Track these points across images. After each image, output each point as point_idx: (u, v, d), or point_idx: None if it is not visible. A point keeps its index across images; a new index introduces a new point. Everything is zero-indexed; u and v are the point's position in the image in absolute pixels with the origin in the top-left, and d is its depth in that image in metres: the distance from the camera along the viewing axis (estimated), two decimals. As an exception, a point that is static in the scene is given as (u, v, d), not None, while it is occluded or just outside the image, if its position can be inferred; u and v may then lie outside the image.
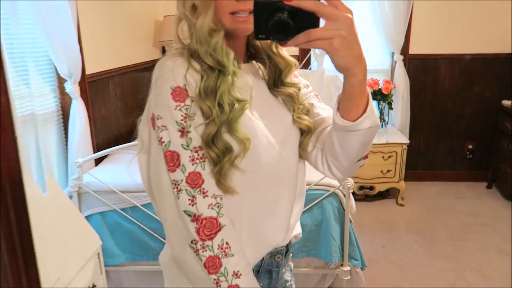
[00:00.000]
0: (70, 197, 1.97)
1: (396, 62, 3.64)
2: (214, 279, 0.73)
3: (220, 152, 0.74)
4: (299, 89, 0.88)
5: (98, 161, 2.42)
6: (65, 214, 1.36)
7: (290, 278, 0.99)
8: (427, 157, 3.92)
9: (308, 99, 0.92)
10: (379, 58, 3.83)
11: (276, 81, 0.87)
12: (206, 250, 0.73)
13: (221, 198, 0.76)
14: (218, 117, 0.74)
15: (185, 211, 0.74)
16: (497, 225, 3.09)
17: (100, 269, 1.46)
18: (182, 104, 0.73)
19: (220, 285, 0.74)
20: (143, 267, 2.03)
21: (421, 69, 3.71)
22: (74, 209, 1.45)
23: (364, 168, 3.35)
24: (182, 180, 0.73)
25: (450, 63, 3.67)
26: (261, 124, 0.81)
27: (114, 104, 2.78)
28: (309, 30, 0.63)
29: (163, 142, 0.74)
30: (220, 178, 0.75)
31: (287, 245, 0.92)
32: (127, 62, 2.98)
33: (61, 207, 1.36)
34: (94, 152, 2.28)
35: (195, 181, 0.74)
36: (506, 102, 3.44)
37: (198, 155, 0.74)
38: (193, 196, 0.73)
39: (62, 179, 2.21)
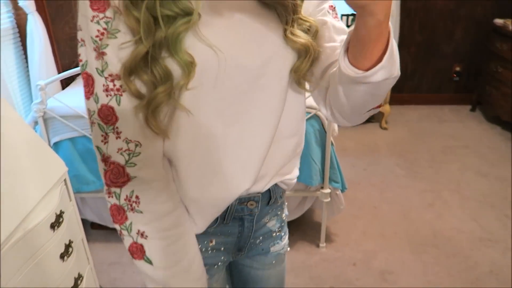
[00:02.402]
0: (36, 123, 1.85)
1: (387, -24, 3.38)
2: (118, 230, 0.66)
3: (151, 81, 0.58)
4: None
5: (65, 86, 2.26)
6: (22, 141, 1.25)
7: (278, 229, 0.86)
8: (414, 80, 3.83)
9: (320, 13, 0.69)
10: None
11: None
12: (112, 197, 0.64)
13: (137, 145, 0.62)
14: (149, 34, 0.56)
15: (97, 147, 0.63)
16: (477, 147, 3.11)
17: (69, 196, 1.39)
18: (102, 15, 0.56)
19: (123, 239, 0.66)
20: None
21: (413, -16, 3.47)
22: (34, 135, 1.33)
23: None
24: (94, 111, 0.60)
25: (444, -22, 3.44)
26: (226, 41, 0.60)
27: (80, 22, 2.54)
28: None
29: (81, 60, 0.60)
30: (149, 116, 0.60)
31: (270, 192, 0.77)
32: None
33: (17, 133, 1.24)
34: (60, 75, 2.11)
35: (107, 116, 0.60)
36: (498, 21, 3.28)
37: (114, 85, 0.59)
38: (106, 134, 0.61)
39: (26, 104, 2.06)
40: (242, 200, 0.74)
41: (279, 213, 0.86)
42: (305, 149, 1.85)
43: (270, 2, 0.63)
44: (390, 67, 0.55)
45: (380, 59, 0.54)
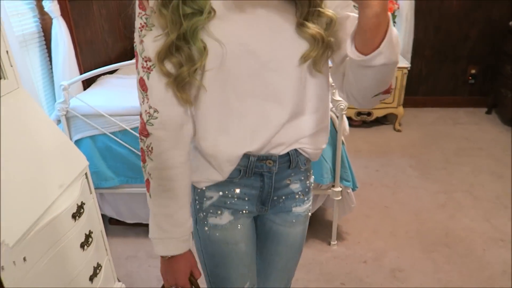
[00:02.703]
0: (59, 121, 1.94)
1: (401, -21, 3.41)
2: (141, 165, 0.87)
3: (178, 63, 0.76)
4: None
5: (87, 86, 2.36)
6: (47, 137, 1.33)
7: (301, 192, 0.96)
8: (428, 82, 3.82)
9: (346, 8, 0.79)
10: (383, -24, 3.58)
11: None
12: (141, 141, 0.85)
13: (155, 111, 0.80)
14: (174, 29, 0.74)
15: (140, 105, 0.84)
16: (492, 149, 3.10)
17: (90, 189, 1.47)
18: (143, 13, 0.76)
19: (143, 172, 0.87)
20: (137, 189, 2.06)
21: (428, -13, 3.48)
22: (58, 132, 1.42)
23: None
24: (138, 80, 0.81)
25: (459, -19, 3.44)
26: (240, 32, 0.76)
27: (100, 26, 2.65)
28: None
29: (134, 42, 0.81)
30: (176, 89, 0.78)
31: (289, 156, 0.89)
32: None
33: (42, 129, 1.32)
34: (81, 76, 2.21)
35: (142, 86, 0.80)
36: (514, 23, 3.27)
37: (147, 65, 0.78)
38: (142, 97, 0.81)
39: (50, 104, 2.16)
40: (261, 158, 0.87)
41: (302, 178, 0.96)
42: (316, 147, 1.89)
43: None
44: (388, 53, 0.66)
45: (378, 46, 0.65)
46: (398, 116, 3.42)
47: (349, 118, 3.15)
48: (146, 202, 0.89)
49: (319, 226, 2.28)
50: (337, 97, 1.84)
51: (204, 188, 0.91)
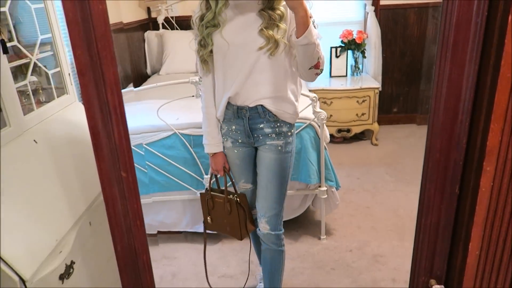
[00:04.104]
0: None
1: (368, 13, 3.90)
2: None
3: (203, 49, 1.50)
4: (281, 14, 1.39)
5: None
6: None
7: (272, 134, 1.56)
8: (399, 101, 4.26)
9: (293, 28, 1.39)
10: (354, 10, 4.08)
11: (267, 6, 1.40)
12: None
13: (200, 78, 1.66)
14: (200, 34, 1.49)
15: None
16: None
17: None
18: (192, 20, 1.52)
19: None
20: (151, 199, 2.36)
21: (392, 19, 3.98)
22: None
23: (341, 112, 3.70)
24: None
25: (419, 12, 3.95)
26: (229, 36, 1.44)
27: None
28: None
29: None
30: (202, 64, 1.55)
31: (257, 108, 1.51)
32: (113, 20, 3.18)
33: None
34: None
35: (197, 63, 1.68)
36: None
37: (196, 47, 1.54)
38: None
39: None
40: (240, 108, 1.53)
41: (272, 126, 1.56)
42: (303, 153, 2.28)
43: (263, 14, 1.41)
44: (309, 37, 1.29)
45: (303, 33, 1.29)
46: (374, 131, 3.82)
47: (331, 135, 3.53)
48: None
49: (309, 225, 2.60)
50: (318, 109, 2.21)
51: (221, 122, 1.63)
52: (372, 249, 2.35)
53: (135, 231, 0.79)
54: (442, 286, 0.87)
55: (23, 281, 1.07)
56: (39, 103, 1.51)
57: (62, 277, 1.22)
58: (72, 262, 1.27)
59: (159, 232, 2.55)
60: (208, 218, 1.79)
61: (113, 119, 0.71)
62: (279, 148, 1.57)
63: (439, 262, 0.87)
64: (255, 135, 1.58)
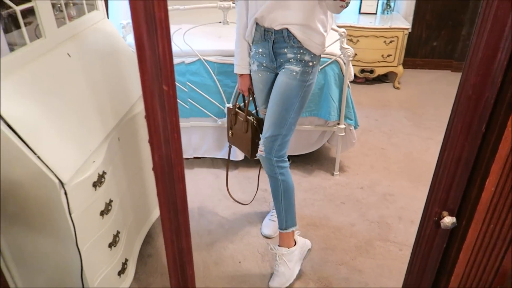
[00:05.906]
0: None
1: None
2: None
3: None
4: None
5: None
6: (125, 57, 1.71)
7: (293, 59, 1.60)
8: (427, 46, 4.12)
9: None
10: None
11: None
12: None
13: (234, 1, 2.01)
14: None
15: None
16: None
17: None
18: None
19: None
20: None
21: (432, -46, 3.72)
22: (133, 55, 1.78)
23: (366, 52, 3.62)
24: None
25: (462, -52, 3.67)
26: None
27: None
28: None
29: None
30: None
31: (282, 32, 1.56)
32: None
33: (122, 50, 1.69)
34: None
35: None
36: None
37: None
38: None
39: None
40: (267, 30, 1.60)
41: (295, 51, 1.59)
42: (326, 89, 2.28)
43: None
44: None
45: None
46: (398, 74, 3.75)
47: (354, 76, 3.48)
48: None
49: (324, 161, 2.67)
50: (345, 45, 2.17)
51: (251, 44, 1.71)
52: (382, 188, 2.43)
53: (172, 143, 0.84)
54: (454, 218, 0.93)
55: (62, 184, 1.16)
56: (70, 18, 1.52)
57: (95, 185, 1.31)
58: (104, 172, 1.36)
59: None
60: (230, 131, 1.97)
61: (158, 32, 0.73)
62: (294, 73, 1.60)
63: (454, 196, 0.91)
64: (279, 60, 1.64)
